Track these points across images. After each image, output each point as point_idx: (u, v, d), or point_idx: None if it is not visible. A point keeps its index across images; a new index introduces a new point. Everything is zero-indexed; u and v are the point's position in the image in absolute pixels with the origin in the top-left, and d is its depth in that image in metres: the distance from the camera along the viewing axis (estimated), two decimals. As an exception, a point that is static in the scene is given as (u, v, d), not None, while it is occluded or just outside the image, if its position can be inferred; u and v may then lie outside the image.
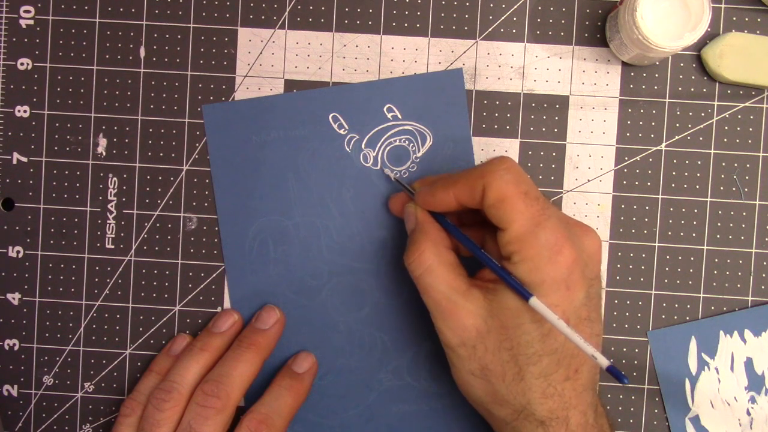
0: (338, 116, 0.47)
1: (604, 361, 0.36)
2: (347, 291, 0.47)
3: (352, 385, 0.47)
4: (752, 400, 0.47)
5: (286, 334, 0.47)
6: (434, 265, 0.40)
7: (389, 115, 0.47)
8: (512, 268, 0.38)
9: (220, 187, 0.47)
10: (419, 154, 0.47)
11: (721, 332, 0.47)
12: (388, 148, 0.47)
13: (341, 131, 0.47)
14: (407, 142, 0.47)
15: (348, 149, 0.47)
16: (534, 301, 0.37)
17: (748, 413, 0.47)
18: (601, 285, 0.41)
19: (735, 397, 0.47)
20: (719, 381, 0.47)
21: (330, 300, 0.47)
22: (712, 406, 0.47)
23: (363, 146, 0.47)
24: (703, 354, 0.47)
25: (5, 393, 0.48)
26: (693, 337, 0.47)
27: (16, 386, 0.48)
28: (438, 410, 0.47)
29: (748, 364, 0.47)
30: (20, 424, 0.48)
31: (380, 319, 0.47)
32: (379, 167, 0.47)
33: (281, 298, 0.47)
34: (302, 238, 0.47)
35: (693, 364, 0.47)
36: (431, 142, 0.47)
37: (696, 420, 0.47)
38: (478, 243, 0.42)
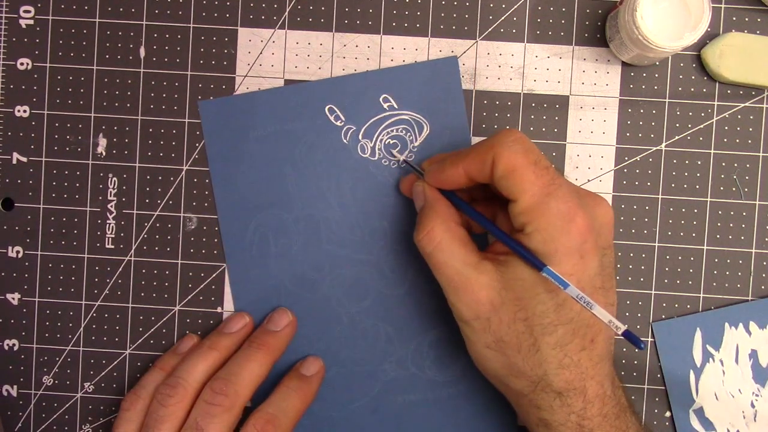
0: (334, 108, 0.47)
1: (621, 326, 0.36)
2: (349, 283, 0.47)
3: (356, 377, 0.47)
4: (757, 392, 0.47)
5: None
6: (444, 240, 0.40)
7: (385, 105, 0.47)
8: (525, 239, 0.38)
9: (219, 183, 0.47)
10: (417, 144, 0.47)
11: (726, 324, 0.47)
12: (386, 138, 0.47)
13: (338, 123, 0.47)
14: (404, 131, 0.47)
15: (345, 141, 0.47)
16: (548, 270, 0.37)
17: (753, 405, 0.47)
18: (614, 254, 0.41)
19: (739, 390, 0.47)
20: (724, 373, 0.47)
21: (332, 292, 0.47)
22: (717, 399, 0.47)
23: (360, 137, 0.47)
24: (707, 346, 0.47)
25: (5, 393, 0.48)
26: (698, 328, 0.47)
27: (15, 386, 0.48)
28: (443, 399, 0.47)
29: (753, 356, 0.47)
30: (20, 425, 0.48)
31: (383, 309, 0.47)
32: (376, 158, 0.47)
33: (283, 291, 0.47)
34: (302, 231, 0.47)
35: (698, 356, 0.47)
36: (428, 131, 0.47)
37: (700, 412, 0.47)
38: (489, 218, 0.42)
